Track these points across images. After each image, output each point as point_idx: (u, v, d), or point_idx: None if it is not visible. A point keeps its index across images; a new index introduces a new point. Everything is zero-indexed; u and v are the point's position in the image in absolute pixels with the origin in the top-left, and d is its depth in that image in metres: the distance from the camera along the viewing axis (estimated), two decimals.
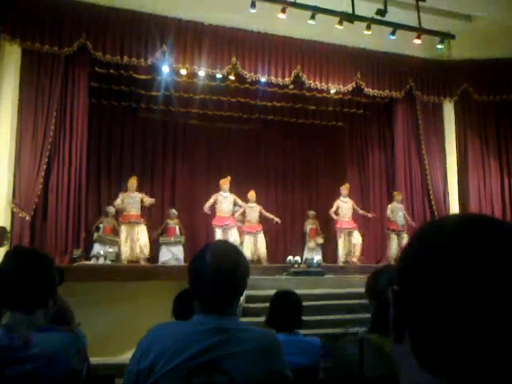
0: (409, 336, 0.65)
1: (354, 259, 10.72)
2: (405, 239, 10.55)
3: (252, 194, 10.67)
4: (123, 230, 9.74)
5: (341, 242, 10.89)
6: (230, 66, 9.67)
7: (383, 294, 0.75)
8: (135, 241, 9.72)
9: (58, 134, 8.84)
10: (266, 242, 10.84)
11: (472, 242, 0.62)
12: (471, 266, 0.60)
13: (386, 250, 11.10)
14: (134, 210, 9.83)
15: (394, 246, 10.60)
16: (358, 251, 10.79)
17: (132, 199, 9.85)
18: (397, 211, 10.70)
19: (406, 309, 0.65)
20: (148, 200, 10.03)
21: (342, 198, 11.00)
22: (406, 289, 0.66)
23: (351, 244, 10.84)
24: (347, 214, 10.90)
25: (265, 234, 10.99)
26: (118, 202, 9.82)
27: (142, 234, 9.80)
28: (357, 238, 10.85)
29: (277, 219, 10.85)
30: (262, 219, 10.84)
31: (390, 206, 10.86)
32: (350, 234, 10.88)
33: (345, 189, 11.09)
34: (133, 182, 10.06)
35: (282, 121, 12.39)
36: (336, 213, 10.98)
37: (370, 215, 11.04)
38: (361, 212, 11.01)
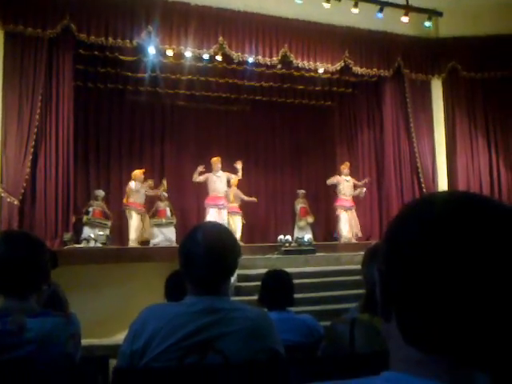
0: (394, 314, 0.65)
1: (360, 234, 10.89)
2: (354, 215, 10.88)
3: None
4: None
5: (343, 219, 10.93)
6: (216, 46, 9.57)
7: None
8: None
9: (44, 117, 8.72)
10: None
11: (459, 219, 0.63)
12: (457, 244, 0.61)
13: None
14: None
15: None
16: (356, 229, 10.93)
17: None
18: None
19: (391, 287, 0.65)
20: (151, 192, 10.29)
21: (343, 177, 11.03)
22: (391, 267, 0.66)
23: (350, 222, 10.93)
24: (348, 192, 10.96)
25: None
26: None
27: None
28: (355, 215, 10.99)
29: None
30: (237, 198, 10.80)
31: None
32: (349, 212, 10.96)
33: (345, 167, 11.13)
34: (139, 175, 10.15)
35: (270, 101, 12.33)
36: (335, 191, 11.08)
37: (366, 181, 11.02)
38: (360, 183, 11.01)
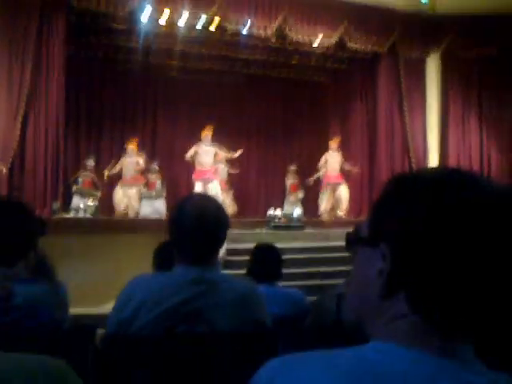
0: (404, 288, 0.66)
1: (341, 213, 10.85)
2: (342, 191, 10.81)
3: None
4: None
5: (324, 196, 10.98)
6: (211, 12, 9.38)
7: None
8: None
9: (34, 84, 8.57)
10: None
11: (446, 195, 0.63)
12: (446, 219, 0.62)
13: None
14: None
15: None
16: (344, 205, 10.91)
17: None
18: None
19: (397, 266, 0.66)
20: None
21: (330, 152, 11.03)
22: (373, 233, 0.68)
23: (337, 198, 10.94)
24: (334, 167, 10.94)
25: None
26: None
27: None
28: (344, 191, 10.93)
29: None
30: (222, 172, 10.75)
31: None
32: (335, 188, 10.96)
33: (334, 143, 11.12)
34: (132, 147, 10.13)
35: (264, 75, 12.25)
36: (323, 167, 11.08)
37: (355, 169, 11.03)
38: (348, 168, 11.01)
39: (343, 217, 10.76)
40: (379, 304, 0.68)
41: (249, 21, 9.61)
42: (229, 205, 10.56)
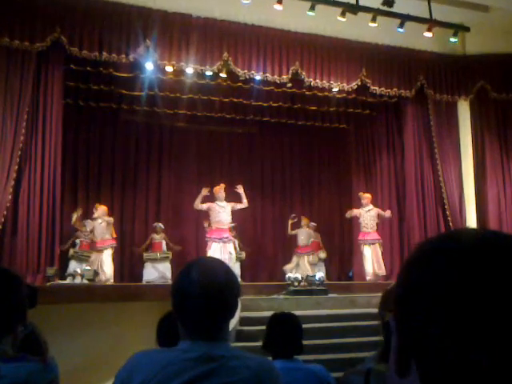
0: (416, 367, 0.64)
1: (380, 271, 10.83)
2: (378, 249, 10.86)
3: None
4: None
5: (366, 254, 10.92)
6: (221, 63, 9.68)
7: None
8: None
9: (30, 138, 8.79)
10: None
11: (487, 267, 0.61)
12: (486, 295, 0.59)
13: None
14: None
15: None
16: (382, 265, 10.88)
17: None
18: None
19: (409, 339, 0.64)
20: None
21: (363, 208, 11.07)
22: (406, 316, 0.66)
23: (374, 257, 10.90)
24: (369, 223, 10.96)
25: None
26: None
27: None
28: (379, 251, 10.96)
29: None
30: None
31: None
32: (371, 246, 10.94)
33: (365, 198, 11.18)
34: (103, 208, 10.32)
35: (279, 123, 12.43)
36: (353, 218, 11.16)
37: (388, 214, 11.02)
38: (388, 215, 10.99)
39: (384, 274, 10.70)
40: (399, 382, 0.66)
41: (262, 66, 9.85)
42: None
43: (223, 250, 9.76)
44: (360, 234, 11.14)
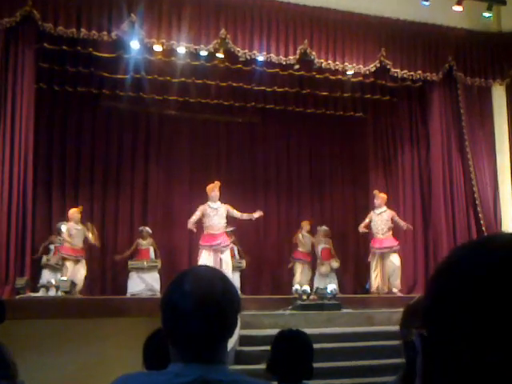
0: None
1: (395, 289, 10.69)
2: (394, 259, 10.73)
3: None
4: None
5: (372, 266, 10.92)
6: (217, 41, 9.68)
7: None
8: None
9: None
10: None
11: None
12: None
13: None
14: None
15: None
16: (397, 278, 10.79)
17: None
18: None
19: (439, 359, 0.65)
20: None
21: (374, 210, 11.06)
22: (437, 333, 0.66)
23: (387, 269, 10.82)
24: (381, 229, 10.92)
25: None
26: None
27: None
28: (396, 260, 10.80)
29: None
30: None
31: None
32: (384, 255, 10.89)
33: (379, 198, 11.13)
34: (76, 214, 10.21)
35: (285, 111, 12.43)
36: (367, 227, 11.09)
37: (403, 226, 10.96)
38: (404, 227, 10.93)
39: (397, 294, 10.57)
40: None
41: (265, 45, 9.82)
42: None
43: (215, 259, 9.68)
44: (372, 240, 11.12)
